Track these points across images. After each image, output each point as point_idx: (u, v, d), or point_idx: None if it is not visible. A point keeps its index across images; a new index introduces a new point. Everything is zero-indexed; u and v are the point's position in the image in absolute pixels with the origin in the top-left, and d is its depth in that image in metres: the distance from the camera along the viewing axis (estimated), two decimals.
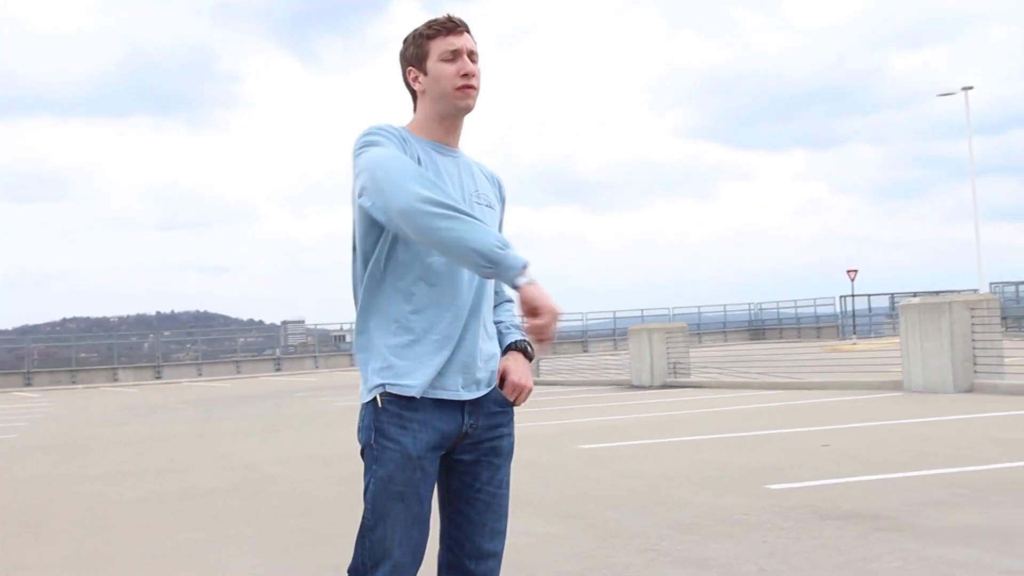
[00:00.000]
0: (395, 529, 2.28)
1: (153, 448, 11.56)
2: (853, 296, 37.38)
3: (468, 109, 2.40)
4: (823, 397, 13.13)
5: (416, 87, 2.43)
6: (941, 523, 5.08)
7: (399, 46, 2.49)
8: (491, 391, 2.41)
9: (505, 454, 2.45)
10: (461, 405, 2.34)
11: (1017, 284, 34.71)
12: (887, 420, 10.01)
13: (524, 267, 2.08)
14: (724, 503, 5.95)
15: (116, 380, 36.17)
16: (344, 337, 44.83)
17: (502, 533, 2.45)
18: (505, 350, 2.48)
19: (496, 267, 2.06)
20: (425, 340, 2.30)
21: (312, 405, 18.39)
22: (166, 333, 47.77)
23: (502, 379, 2.43)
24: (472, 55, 2.40)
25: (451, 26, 2.41)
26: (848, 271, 37.12)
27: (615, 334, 43.05)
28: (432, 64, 2.39)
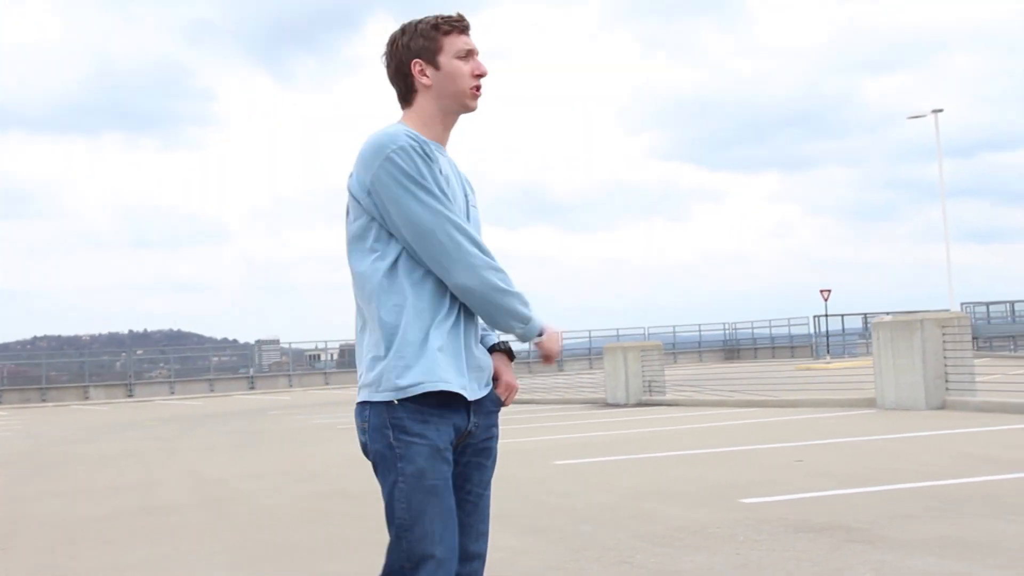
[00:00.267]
0: (434, 525, 2.23)
1: (122, 464, 11.40)
2: (827, 316, 37.62)
3: (474, 110, 2.40)
4: (797, 414, 13.16)
5: (423, 81, 2.36)
6: (913, 535, 5.07)
7: (398, 38, 2.40)
8: (490, 391, 2.42)
9: (493, 455, 2.46)
10: (467, 404, 2.32)
11: (988, 304, 35.04)
12: (860, 436, 10.03)
13: (542, 331, 2.37)
14: (697, 516, 5.92)
15: (87, 398, 35.77)
16: (319, 356, 44.57)
17: (486, 534, 2.46)
18: (489, 351, 2.48)
19: (523, 333, 2.35)
20: (449, 340, 2.29)
21: (285, 423, 18.24)
22: (138, 352, 47.30)
23: (494, 379, 2.45)
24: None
25: (465, 25, 2.39)
26: (821, 291, 37.38)
27: (591, 353, 43.03)
28: (446, 60, 2.35)
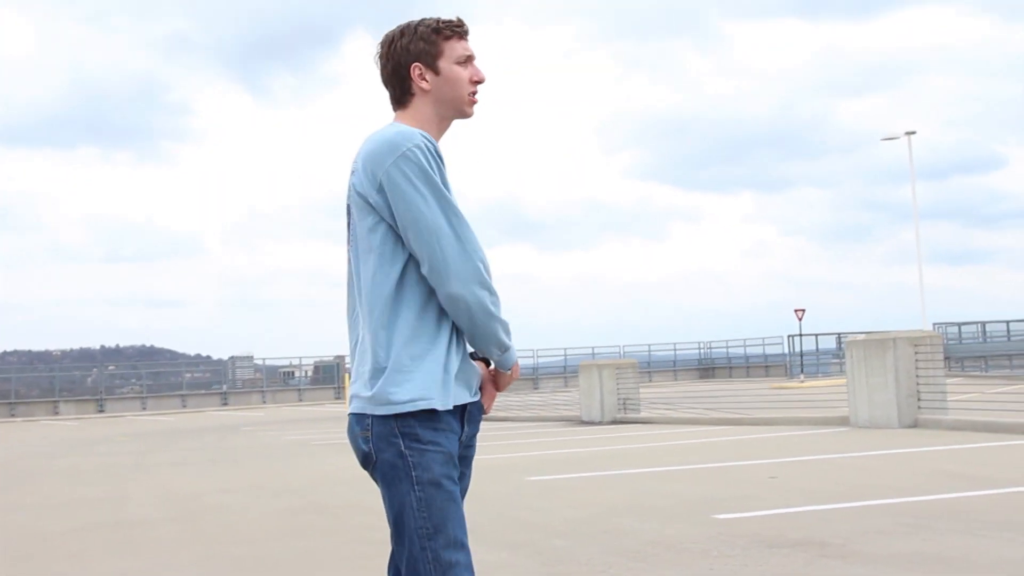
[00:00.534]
0: (457, 531, 2.18)
1: (91, 479, 11.26)
2: (801, 336, 37.78)
3: (469, 117, 2.37)
4: (771, 432, 13.20)
5: (421, 85, 2.31)
6: (886, 550, 5.09)
7: (397, 39, 2.34)
8: (477, 400, 2.38)
9: (472, 464, 2.43)
10: (462, 413, 2.29)
11: (960, 324, 35.35)
12: (833, 454, 10.07)
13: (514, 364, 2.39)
14: (671, 532, 5.91)
15: (57, 413, 35.34)
16: (292, 373, 44.29)
17: None
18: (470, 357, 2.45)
19: (498, 360, 2.35)
20: (452, 353, 2.26)
21: (258, 439, 18.09)
22: (110, 367, 46.83)
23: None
24: None
25: (465, 30, 2.35)
26: (796, 310, 37.52)
27: (566, 371, 42.99)
28: (447, 65, 2.31)
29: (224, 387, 41.06)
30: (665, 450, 11.81)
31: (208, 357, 55.53)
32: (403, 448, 2.17)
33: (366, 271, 2.23)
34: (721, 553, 5.19)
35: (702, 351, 48.79)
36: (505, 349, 2.31)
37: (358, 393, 2.23)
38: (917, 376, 12.49)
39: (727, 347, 48.28)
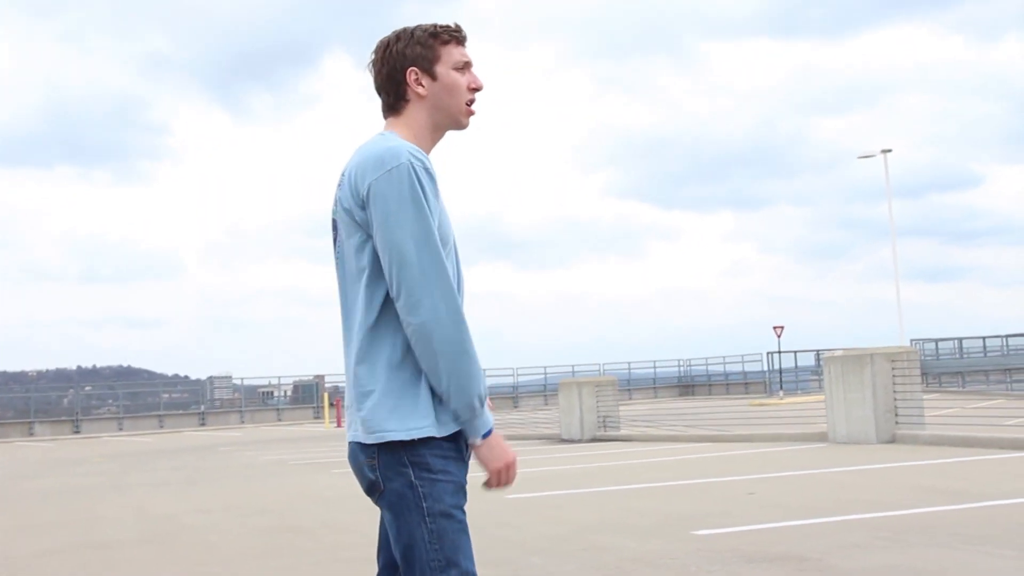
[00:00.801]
0: (468, 564, 2.07)
1: (65, 500, 11.13)
2: (780, 353, 37.96)
3: (464, 128, 2.28)
4: (750, 449, 13.21)
5: (417, 91, 2.20)
6: (863, 563, 5.09)
7: (392, 43, 2.23)
8: None
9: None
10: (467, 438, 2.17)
11: (936, 341, 35.60)
12: (812, 469, 10.09)
13: (488, 433, 2.09)
14: (650, 548, 5.89)
15: (32, 435, 34.96)
16: (271, 393, 44.05)
17: None
18: None
19: (478, 418, 2.07)
20: None
21: (236, 459, 17.95)
22: (86, 387, 46.40)
23: None
24: None
25: (464, 36, 2.25)
26: (775, 327, 37.73)
27: (546, 390, 43.00)
28: (444, 71, 2.21)
29: (202, 407, 40.76)
30: (644, 467, 11.79)
31: (186, 377, 55.16)
32: (413, 479, 2.05)
33: (354, 291, 2.12)
34: (700, 569, 5.17)
35: (682, 368, 48.92)
36: (481, 400, 2.06)
37: (356, 419, 2.11)
38: (895, 392, 12.56)
39: (707, 364, 48.43)
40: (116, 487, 12.69)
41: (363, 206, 2.08)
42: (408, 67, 2.20)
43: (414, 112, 2.22)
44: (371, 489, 2.10)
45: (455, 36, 2.23)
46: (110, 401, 41.50)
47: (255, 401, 43.04)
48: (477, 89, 2.25)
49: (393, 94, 2.23)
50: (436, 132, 2.25)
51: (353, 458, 2.13)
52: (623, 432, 17.69)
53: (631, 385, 45.09)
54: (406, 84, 2.21)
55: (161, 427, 37.17)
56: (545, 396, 41.83)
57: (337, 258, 2.19)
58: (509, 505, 8.54)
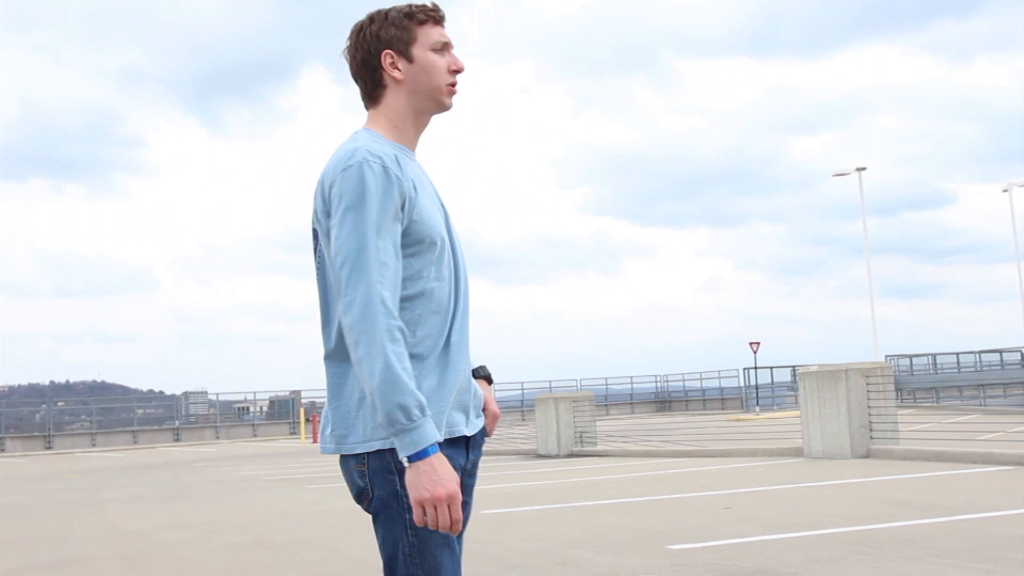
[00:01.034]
0: None
1: (35, 517, 10.99)
2: (756, 368, 38.09)
3: (449, 109, 2.15)
4: (726, 464, 13.23)
5: (394, 75, 2.09)
6: None
7: (366, 27, 2.13)
8: (482, 423, 2.21)
9: (473, 492, 2.24)
10: (466, 440, 2.11)
11: (911, 357, 35.83)
12: (787, 484, 10.11)
13: (428, 452, 1.87)
14: (625, 563, 5.88)
15: (3, 450, 34.51)
16: (247, 409, 43.72)
17: None
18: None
19: (405, 432, 1.86)
20: (448, 371, 2.05)
21: (210, 474, 17.79)
22: (59, 403, 45.91)
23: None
24: None
25: (441, 15, 2.14)
26: (751, 343, 37.89)
27: (523, 405, 42.88)
28: (421, 52, 2.09)
29: (177, 423, 40.39)
30: (621, 482, 11.79)
31: (161, 392, 54.81)
32: (398, 487, 1.97)
33: (334, 300, 2.03)
34: None
35: (659, 384, 48.95)
36: (422, 411, 1.88)
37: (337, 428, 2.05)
38: (869, 407, 12.62)
39: (684, 380, 48.46)
40: (88, 503, 12.55)
41: (327, 213, 2.01)
42: (383, 50, 2.09)
43: (392, 99, 2.12)
44: (360, 496, 2.04)
45: (432, 16, 2.12)
46: (83, 416, 41.05)
47: (230, 417, 42.68)
48: (458, 71, 2.14)
49: (369, 80, 2.12)
50: (419, 118, 2.14)
51: (344, 464, 2.06)
52: (600, 448, 17.68)
53: (608, 400, 45.12)
54: (382, 69, 2.10)
55: (135, 443, 36.80)
56: (522, 411, 41.72)
57: (318, 268, 2.12)
58: (486, 520, 8.51)
